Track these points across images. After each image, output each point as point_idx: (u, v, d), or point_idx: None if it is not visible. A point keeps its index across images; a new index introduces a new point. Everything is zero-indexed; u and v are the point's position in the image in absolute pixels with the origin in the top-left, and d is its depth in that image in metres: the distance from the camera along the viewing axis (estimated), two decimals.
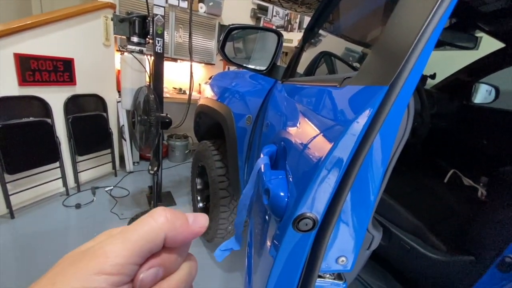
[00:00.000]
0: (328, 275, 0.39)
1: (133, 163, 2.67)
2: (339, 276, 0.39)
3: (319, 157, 0.31)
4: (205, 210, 1.83)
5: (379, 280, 0.95)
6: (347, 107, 0.32)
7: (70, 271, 0.17)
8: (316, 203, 0.31)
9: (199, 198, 1.89)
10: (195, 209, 1.90)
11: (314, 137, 0.36)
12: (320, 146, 0.32)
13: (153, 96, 1.55)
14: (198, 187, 1.90)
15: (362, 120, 0.28)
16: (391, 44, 0.30)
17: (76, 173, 2.13)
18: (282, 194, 0.36)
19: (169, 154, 3.05)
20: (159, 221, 0.19)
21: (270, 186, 0.37)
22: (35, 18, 1.80)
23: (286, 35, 3.07)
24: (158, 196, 1.93)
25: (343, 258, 0.36)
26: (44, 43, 1.83)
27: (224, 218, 1.52)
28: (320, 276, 0.38)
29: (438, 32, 0.26)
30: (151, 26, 1.68)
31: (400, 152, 0.35)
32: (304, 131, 0.42)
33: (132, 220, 1.86)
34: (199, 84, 3.17)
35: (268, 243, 0.39)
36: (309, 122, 0.41)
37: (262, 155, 0.49)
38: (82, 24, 2.02)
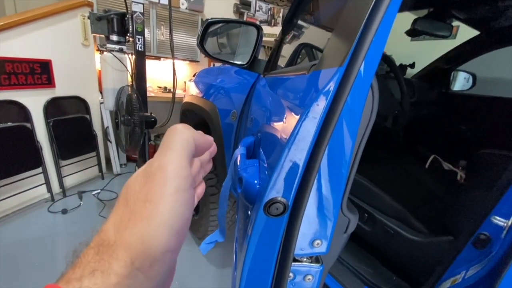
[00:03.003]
0: (305, 259, 0.40)
1: (120, 165, 2.62)
2: (317, 259, 0.40)
3: (285, 142, 0.31)
4: (195, 208, 1.83)
5: (365, 265, 0.97)
6: (310, 91, 0.33)
7: (156, 193, 0.19)
8: (285, 187, 0.32)
9: None
10: None
11: (284, 124, 0.36)
12: (287, 132, 0.33)
13: (135, 95, 1.53)
14: None
15: (322, 102, 0.29)
16: (346, 26, 0.31)
17: (60, 178, 2.07)
18: (255, 181, 0.36)
19: None
20: (188, 131, 0.24)
21: (244, 174, 0.37)
22: (9, 18, 1.73)
23: (269, 29, 3.06)
24: None
25: (318, 241, 0.37)
26: (19, 45, 1.76)
27: (214, 215, 1.52)
28: (297, 260, 0.39)
29: (392, 12, 0.26)
30: (130, 24, 1.64)
31: (369, 134, 0.36)
32: (277, 120, 0.42)
33: None
34: (184, 82, 3.13)
35: (246, 233, 0.40)
36: (281, 111, 0.42)
37: (239, 146, 0.50)
38: (59, 23, 1.95)
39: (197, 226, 1.66)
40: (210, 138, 0.27)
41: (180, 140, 0.23)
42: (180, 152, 0.22)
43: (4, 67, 1.68)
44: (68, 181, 2.18)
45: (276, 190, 0.32)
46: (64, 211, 1.89)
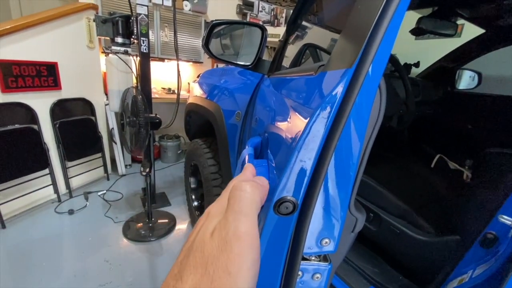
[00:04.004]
0: (313, 257, 0.40)
1: (126, 166, 2.64)
2: (324, 257, 0.41)
3: (295, 142, 0.32)
4: (200, 208, 1.84)
5: (371, 264, 0.97)
6: (319, 92, 0.33)
7: (234, 265, 0.20)
8: (294, 186, 0.32)
9: (193, 197, 1.89)
10: (190, 208, 1.90)
11: (292, 125, 0.36)
12: (295, 133, 0.33)
13: (140, 96, 1.54)
14: (192, 186, 1.90)
15: (331, 103, 0.29)
16: (355, 27, 0.31)
17: (67, 179, 2.10)
18: None
19: (162, 155, 3.03)
20: (255, 192, 0.25)
21: None
22: (15, 22, 1.76)
23: (273, 30, 3.07)
24: (152, 198, 1.93)
25: (326, 240, 0.37)
26: (25, 48, 1.79)
27: None
28: (305, 259, 0.39)
29: (401, 13, 0.27)
30: (135, 26, 1.66)
31: (376, 134, 0.36)
32: (284, 121, 0.43)
33: (127, 223, 1.85)
34: (188, 83, 3.15)
35: None
36: (288, 112, 0.42)
37: (247, 147, 0.50)
38: (64, 26, 1.98)
39: None
40: (266, 185, 0.29)
41: (250, 203, 0.24)
42: (253, 219, 0.23)
43: (11, 70, 1.71)
44: (74, 182, 2.21)
45: (286, 190, 0.32)
46: (71, 212, 1.92)
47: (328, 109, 0.30)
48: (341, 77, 0.29)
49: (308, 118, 0.31)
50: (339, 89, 0.29)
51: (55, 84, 1.97)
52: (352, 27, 0.32)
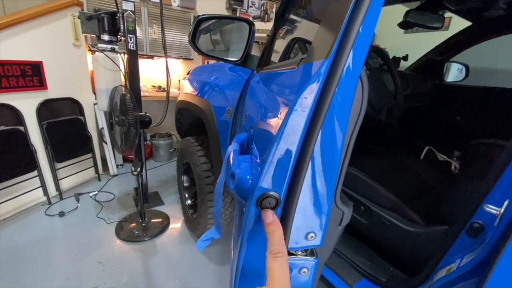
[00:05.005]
0: (300, 252, 0.40)
1: (117, 165, 2.61)
2: (311, 252, 0.41)
3: (275, 137, 0.31)
4: (193, 206, 1.83)
5: (363, 257, 0.98)
6: (299, 85, 0.33)
7: None
8: (277, 181, 0.32)
9: (186, 195, 1.88)
10: (184, 207, 1.89)
11: (274, 119, 0.36)
12: (278, 127, 0.33)
13: (129, 95, 1.51)
14: (185, 184, 1.89)
15: (310, 95, 0.29)
16: (331, 17, 0.31)
17: (56, 180, 2.06)
18: (247, 177, 0.36)
19: (154, 154, 3.00)
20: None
21: (236, 170, 0.37)
22: None
23: (263, 25, 3.05)
24: (145, 197, 1.90)
25: (312, 234, 0.37)
26: (8, 47, 1.73)
27: (212, 212, 1.52)
28: (292, 254, 0.39)
29: (377, 5, 0.26)
30: (121, 23, 1.62)
31: (360, 126, 0.36)
32: (268, 115, 0.42)
33: (120, 223, 1.83)
34: (179, 80, 3.11)
35: (240, 229, 0.40)
36: (272, 106, 0.42)
37: (233, 143, 0.50)
38: (48, 24, 1.92)
39: (195, 224, 1.66)
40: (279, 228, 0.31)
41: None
42: None
43: None
44: (65, 184, 2.17)
45: (268, 185, 0.32)
46: (61, 214, 1.88)
47: (307, 101, 0.29)
48: (318, 68, 0.29)
49: (287, 112, 0.30)
50: (317, 81, 0.29)
51: (41, 84, 1.92)
52: (329, 17, 0.31)
